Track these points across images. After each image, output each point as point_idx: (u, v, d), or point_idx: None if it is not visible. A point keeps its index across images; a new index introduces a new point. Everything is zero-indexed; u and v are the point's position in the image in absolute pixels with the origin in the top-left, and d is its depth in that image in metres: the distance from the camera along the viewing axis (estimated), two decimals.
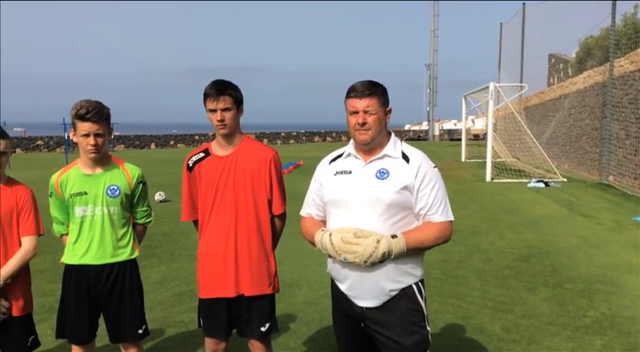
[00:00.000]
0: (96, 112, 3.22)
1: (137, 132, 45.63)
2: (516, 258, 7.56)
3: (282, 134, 48.73)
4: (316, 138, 50.01)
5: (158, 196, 12.76)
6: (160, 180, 15.69)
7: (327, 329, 4.96)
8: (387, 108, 2.75)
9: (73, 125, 3.28)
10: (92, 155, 3.30)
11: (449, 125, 59.99)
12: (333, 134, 51.39)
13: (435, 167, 2.75)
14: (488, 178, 17.38)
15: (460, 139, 29.55)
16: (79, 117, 3.21)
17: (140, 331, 3.54)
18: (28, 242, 3.35)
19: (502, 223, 10.10)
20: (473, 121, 43.41)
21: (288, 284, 6.16)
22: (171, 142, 42.94)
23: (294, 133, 49.72)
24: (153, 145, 41.81)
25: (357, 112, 2.67)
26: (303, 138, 49.47)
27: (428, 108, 54.33)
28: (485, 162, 18.38)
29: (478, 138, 32.89)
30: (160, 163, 24.39)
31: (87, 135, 3.24)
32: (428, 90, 54.41)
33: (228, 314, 3.34)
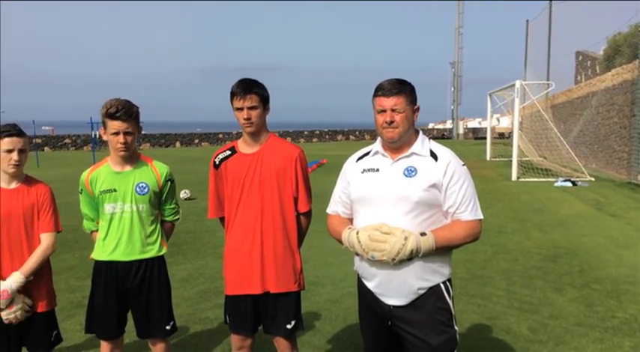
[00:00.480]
0: (125, 111, 3.26)
1: (162, 130, 46.10)
2: (543, 258, 7.47)
3: (306, 132, 48.78)
4: (339, 137, 49.97)
5: (183, 194, 12.88)
6: (185, 178, 15.83)
7: (351, 327, 4.96)
8: (415, 107, 2.74)
9: (103, 123, 3.33)
10: (122, 153, 3.35)
11: (473, 123, 59.44)
12: (357, 132, 51.28)
13: (463, 165, 2.73)
14: (514, 177, 17.20)
15: (485, 138, 29.27)
16: (109, 115, 3.26)
17: (168, 327, 3.57)
18: (46, 238, 3.42)
19: (528, 223, 9.99)
20: (498, 120, 42.93)
21: (312, 282, 6.17)
22: (196, 141, 43.30)
23: (317, 132, 49.73)
24: (178, 144, 42.21)
25: (384, 111, 2.67)
26: (327, 136, 49.44)
27: (452, 107, 53.92)
28: (510, 160, 18.19)
29: (503, 137, 32.50)
30: (185, 161, 24.62)
31: (117, 134, 3.29)
32: (452, 89, 53.99)
33: (254, 311, 3.35)
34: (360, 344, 4.55)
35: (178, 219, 3.74)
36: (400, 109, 2.65)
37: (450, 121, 56.98)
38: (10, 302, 3.28)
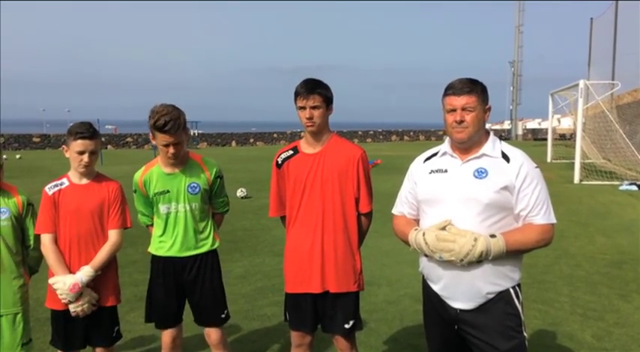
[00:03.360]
0: (173, 124, 3.26)
1: (219, 130, 46.92)
2: (608, 263, 7.20)
3: (360, 132, 48.59)
4: (393, 137, 49.56)
5: (240, 193, 13.04)
6: (241, 177, 16.05)
7: (407, 329, 4.92)
8: (487, 106, 2.69)
9: (152, 133, 3.37)
10: (171, 161, 3.46)
11: (532, 124, 57.65)
12: (411, 133, 50.76)
13: (536, 167, 2.66)
14: (576, 180, 16.66)
15: (545, 139, 28.44)
16: (157, 128, 3.29)
17: (222, 315, 3.70)
18: (114, 235, 3.51)
19: (592, 227, 9.65)
20: (559, 120, 41.45)
21: (367, 282, 6.05)
22: (251, 140, 43.81)
23: (371, 132, 49.47)
24: (233, 143, 42.85)
25: (454, 110, 2.62)
26: (380, 137, 49.13)
27: (511, 107, 52.53)
28: (572, 163, 17.62)
29: (565, 138, 31.48)
30: (240, 160, 24.96)
31: (166, 145, 3.35)
32: (511, 88, 52.61)
33: (314, 309, 3.37)
34: (416, 345, 4.52)
35: (228, 210, 3.86)
36: (471, 108, 2.60)
37: (508, 122, 55.53)
38: (79, 296, 3.39)
